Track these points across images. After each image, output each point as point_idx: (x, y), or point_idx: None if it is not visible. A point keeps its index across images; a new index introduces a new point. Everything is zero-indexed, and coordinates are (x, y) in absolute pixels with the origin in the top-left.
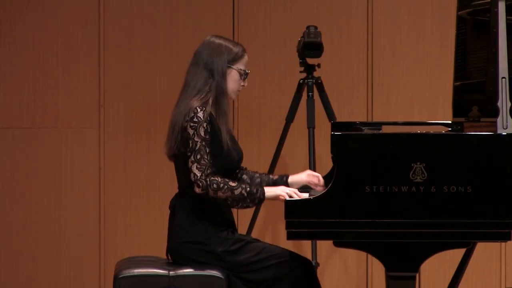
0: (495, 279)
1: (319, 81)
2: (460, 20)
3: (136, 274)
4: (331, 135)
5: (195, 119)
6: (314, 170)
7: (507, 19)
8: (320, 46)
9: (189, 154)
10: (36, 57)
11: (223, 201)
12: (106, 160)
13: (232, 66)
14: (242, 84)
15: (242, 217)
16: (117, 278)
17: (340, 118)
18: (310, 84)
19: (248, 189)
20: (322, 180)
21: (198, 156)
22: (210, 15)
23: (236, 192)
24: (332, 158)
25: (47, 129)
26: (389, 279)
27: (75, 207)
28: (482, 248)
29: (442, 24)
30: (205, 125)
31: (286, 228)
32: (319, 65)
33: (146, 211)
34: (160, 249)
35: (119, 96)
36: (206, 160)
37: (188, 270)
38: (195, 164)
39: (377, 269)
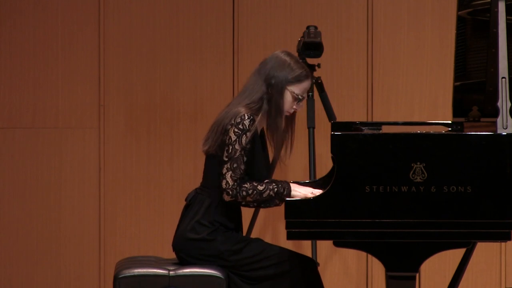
0: (495, 279)
1: (319, 81)
2: (460, 20)
3: (136, 274)
4: (331, 135)
5: (240, 126)
6: (314, 170)
7: (507, 19)
8: (320, 46)
9: (226, 159)
10: (36, 57)
11: (249, 204)
12: (106, 160)
13: (287, 87)
14: (294, 107)
15: (242, 217)
16: (117, 278)
17: (340, 118)
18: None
19: (276, 189)
20: None
21: (235, 165)
22: (210, 15)
23: (265, 195)
24: (332, 158)
25: (47, 129)
26: (389, 279)
27: (75, 207)
28: (482, 248)
29: (442, 24)
30: (248, 134)
31: (286, 228)
32: (319, 65)
33: (146, 211)
34: (160, 249)
35: (119, 96)
36: (242, 170)
37: (188, 270)
38: (230, 172)
39: (377, 269)
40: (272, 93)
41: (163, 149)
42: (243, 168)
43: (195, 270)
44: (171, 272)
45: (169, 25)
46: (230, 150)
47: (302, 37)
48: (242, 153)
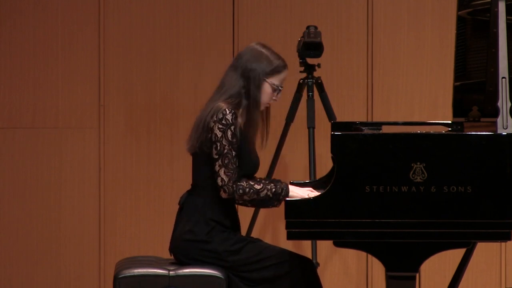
0: (495, 279)
1: (319, 81)
2: (460, 20)
3: (136, 274)
4: (331, 135)
5: (223, 121)
6: (314, 170)
7: (507, 19)
8: (320, 46)
9: (216, 157)
10: (36, 57)
11: (247, 203)
12: (106, 160)
13: (266, 79)
14: (274, 98)
15: (242, 217)
16: (117, 278)
17: (340, 118)
18: (310, 84)
19: (273, 189)
20: None
21: (226, 161)
22: (210, 15)
23: (262, 194)
24: (332, 158)
25: (47, 129)
26: (389, 279)
27: (75, 207)
28: (482, 248)
29: (442, 24)
30: (233, 129)
31: (286, 228)
32: (319, 65)
33: (146, 211)
34: (160, 249)
35: (119, 96)
36: (234, 165)
37: (188, 270)
38: (223, 169)
39: (377, 269)
40: (249, 87)
41: (163, 149)
42: (235, 163)
43: (195, 270)
44: (171, 272)
45: (169, 25)
46: (218, 147)
47: (302, 37)
48: (230, 147)
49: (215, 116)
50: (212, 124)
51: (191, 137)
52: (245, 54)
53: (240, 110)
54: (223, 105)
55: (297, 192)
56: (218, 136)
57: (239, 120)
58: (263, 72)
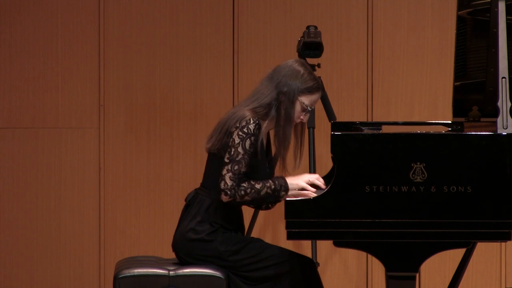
0: (495, 279)
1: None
2: (460, 20)
3: (136, 274)
4: (331, 135)
5: (245, 129)
6: (314, 170)
7: (507, 19)
8: (320, 46)
9: (227, 161)
10: (36, 57)
11: (248, 204)
12: (106, 160)
13: (298, 96)
14: (301, 117)
15: (243, 217)
16: (117, 278)
17: (340, 118)
18: None
19: (272, 186)
20: (321, 181)
21: (236, 167)
22: (210, 15)
23: (262, 193)
24: (332, 158)
25: (47, 129)
26: (389, 279)
27: (75, 207)
28: (482, 248)
29: (442, 24)
30: (253, 139)
31: (286, 228)
32: (319, 65)
33: (146, 211)
34: (160, 249)
35: (119, 96)
36: (241, 173)
37: (188, 270)
38: (230, 173)
39: (377, 269)
40: (283, 100)
41: (163, 149)
42: (243, 171)
43: (195, 270)
44: (171, 272)
45: (169, 25)
46: (232, 152)
47: (302, 37)
48: (245, 156)
49: (238, 123)
50: (233, 129)
51: (212, 137)
52: (284, 69)
53: (266, 121)
54: (248, 113)
55: (297, 182)
56: (235, 142)
57: (262, 130)
58: (297, 89)
